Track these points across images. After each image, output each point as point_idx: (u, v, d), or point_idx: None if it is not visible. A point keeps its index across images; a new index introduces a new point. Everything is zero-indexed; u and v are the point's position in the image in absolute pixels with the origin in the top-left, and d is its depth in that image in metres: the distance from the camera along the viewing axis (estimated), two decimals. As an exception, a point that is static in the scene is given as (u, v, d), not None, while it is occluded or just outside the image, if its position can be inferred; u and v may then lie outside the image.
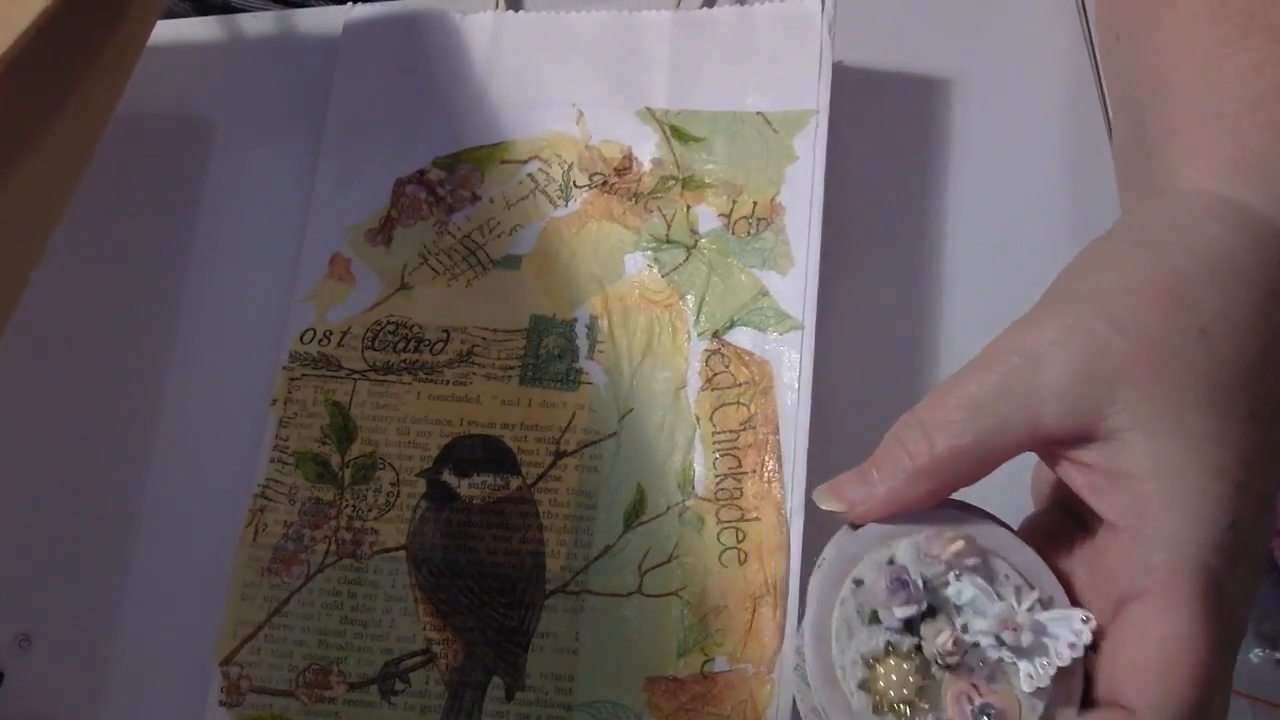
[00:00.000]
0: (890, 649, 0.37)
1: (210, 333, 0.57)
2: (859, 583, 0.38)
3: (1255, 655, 0.47)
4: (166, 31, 0.63)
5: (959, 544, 0.38)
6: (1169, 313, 0.38)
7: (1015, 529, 0.40)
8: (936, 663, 0.37)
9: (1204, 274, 0.38)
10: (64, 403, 0.57)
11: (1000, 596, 0.38)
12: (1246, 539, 0.37)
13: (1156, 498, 0.37)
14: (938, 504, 0.39)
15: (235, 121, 0.61)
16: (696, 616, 0.48)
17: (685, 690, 0.47)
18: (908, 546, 0.38)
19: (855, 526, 0.39)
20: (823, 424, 0.50)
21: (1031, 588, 0.38)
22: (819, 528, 0.49)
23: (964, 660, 0.37)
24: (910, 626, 0.38)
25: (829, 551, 0.39)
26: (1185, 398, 0.37)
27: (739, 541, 0.49)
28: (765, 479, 0.49)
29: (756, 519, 0.49)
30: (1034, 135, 0.55)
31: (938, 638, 0.37)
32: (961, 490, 0.38)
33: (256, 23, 0.64)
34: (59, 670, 0.53)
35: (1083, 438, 0.37)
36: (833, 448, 0.50)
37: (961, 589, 0.38)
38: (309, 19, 0.63)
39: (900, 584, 0.37)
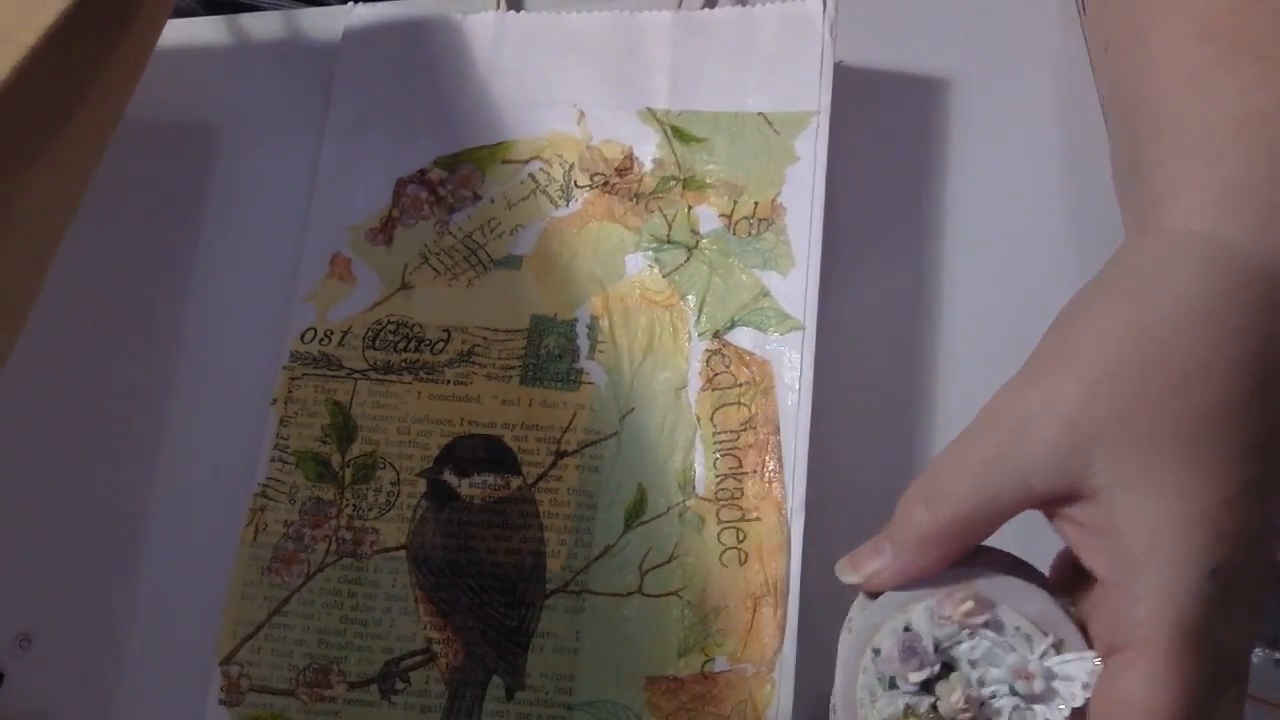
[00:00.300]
0: (909, 711, 0.41)
1: (211, 332, 0.57)
2: (877, 651, 0.42)
3: (1256, 655, 0.47)
4: (168, 32, 0.63)
5: (968, 604, 0.41)
6: (1142, 372, 0.40)
7: (1034, 568, 0.42)
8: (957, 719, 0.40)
9: (1179, 329, 0.40)
10: (65, 402, 0.57)
11: (1013, 647, 0.41)
12: (1233, 581, 0.38)
13: (1136, 553, 0.39)
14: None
15: (237, 122, 0.61)
16: (697, 616, 0.48)
17: (685, 690, 0.47)
18: (921, 611, 0.42)
19: (874, 595, 0.42)
20: (823, 424, 0.50)
21: (1045, 634, 0.41)
22: (819, 528, 0.49)
23: (981, 712, 0.40)
24: (927, 687, 0.41)
25: (854, 618, 0.42)
26: (1160, 453, 0.39)
27: (739, 541, 0.49)
28: (766, 479, 0.49)
29: (757, 519, 0.49)
30: (1034, 135, 0.55)
31: (950, 696, 0.40)
32: None
33: (257, 23, 0.64)
34: (60, 670, 0.53)
35: (1071, 497, 0.39)
36: (833, 448, 0.50)
37: (975, 645, 0.41)
38: (310, 19, 0.63)
39: (911, 651, 0.41)
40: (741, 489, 0.49)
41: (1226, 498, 0.38)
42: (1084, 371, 0.40)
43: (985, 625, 0.42)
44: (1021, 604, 0.42)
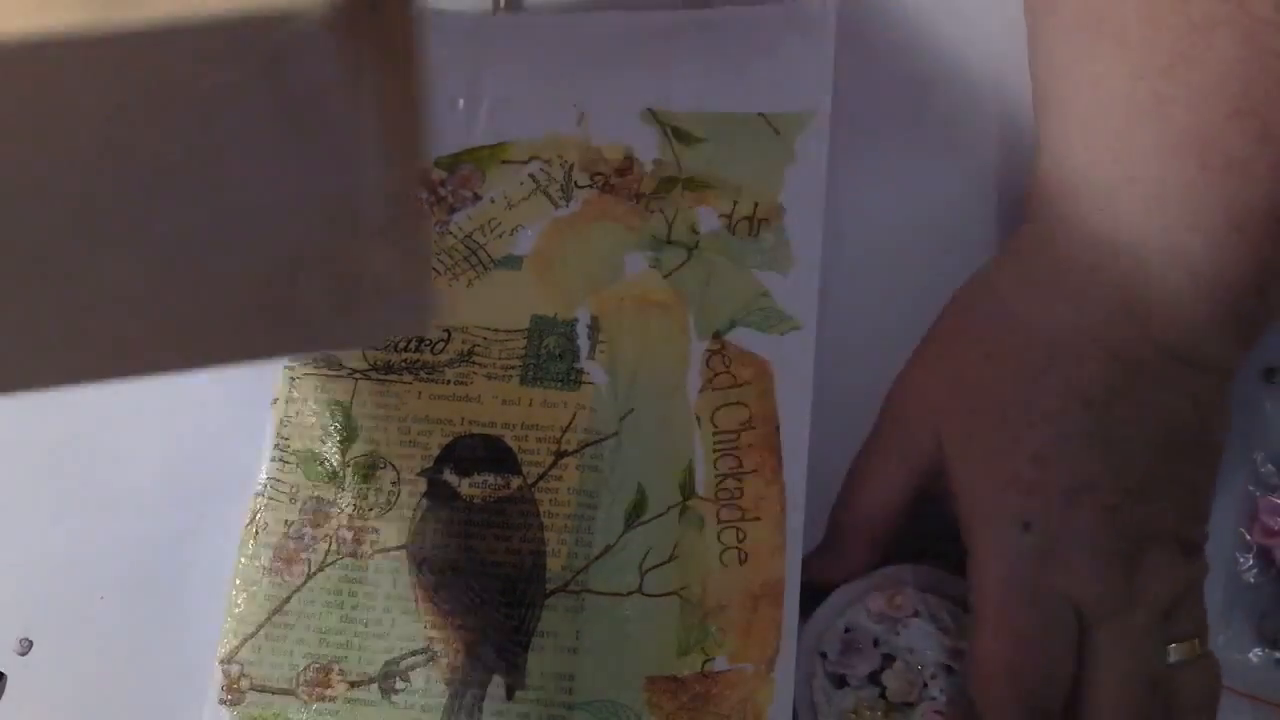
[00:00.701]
0: (861, 703, 0.45)
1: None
2: (824, 655, 0.46)
3: (1255, 655, 0.47)
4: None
5: (899, 598, 0.46)
6: (964, 348, 0.45)
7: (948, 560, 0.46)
8: (903, 703, 0.45)
9: (990, 305, 0.45)
10: (62, 401, 0.57)
11: (943, 630, 0.45)
12: (1055, 533, 0.41)
13: (967, 519, 0.43)
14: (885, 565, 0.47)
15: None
16: (697, 616, 0.48)
17: (686, 689, 0.47)
18: (858, 611, 0.46)
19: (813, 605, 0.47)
20: (824, 424, 0.50)
21: (968, 611, 0.45)
22: (820, 528, 0.49)
23: (926, 691, 0.45)
24: (874, 679, 0.45)
25: (803, 633, 0.47)
26: (979, 420, 0.43)
27: (739, 541, 0.49)
28: (766, 479, 0.49)
29: (757, 519, 0.49)
30: (1033, 138, 0.55)
31: (895, 683, 0.45)
32: None
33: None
34: (60, 672, 0.53)
35: (938, 473, 0.45)
36: (834, 448, 0.50)
37: (911, 633, 0.46)
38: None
39: (854, 649, 0.46)
40: (741, 489, 0.49)
41: (1034, 454, 0.41)
42: (928, 358, 0.46)
43: (915, 615, 0.46)
44: (944, 589, 0.46)
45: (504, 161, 0.56)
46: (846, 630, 0.46)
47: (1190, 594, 0.43)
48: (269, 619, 0.50)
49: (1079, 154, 0.45)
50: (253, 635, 0.50)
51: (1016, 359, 0.43)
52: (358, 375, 0.53)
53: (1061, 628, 0.41)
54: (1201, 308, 0.42)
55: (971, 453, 0.43)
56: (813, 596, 0.47)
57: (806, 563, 0.48)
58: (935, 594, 0.46)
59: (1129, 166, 0.43)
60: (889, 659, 0.46)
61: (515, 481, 0.51)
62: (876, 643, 0.46)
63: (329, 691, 0.49)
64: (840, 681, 0.46)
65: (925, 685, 0.45)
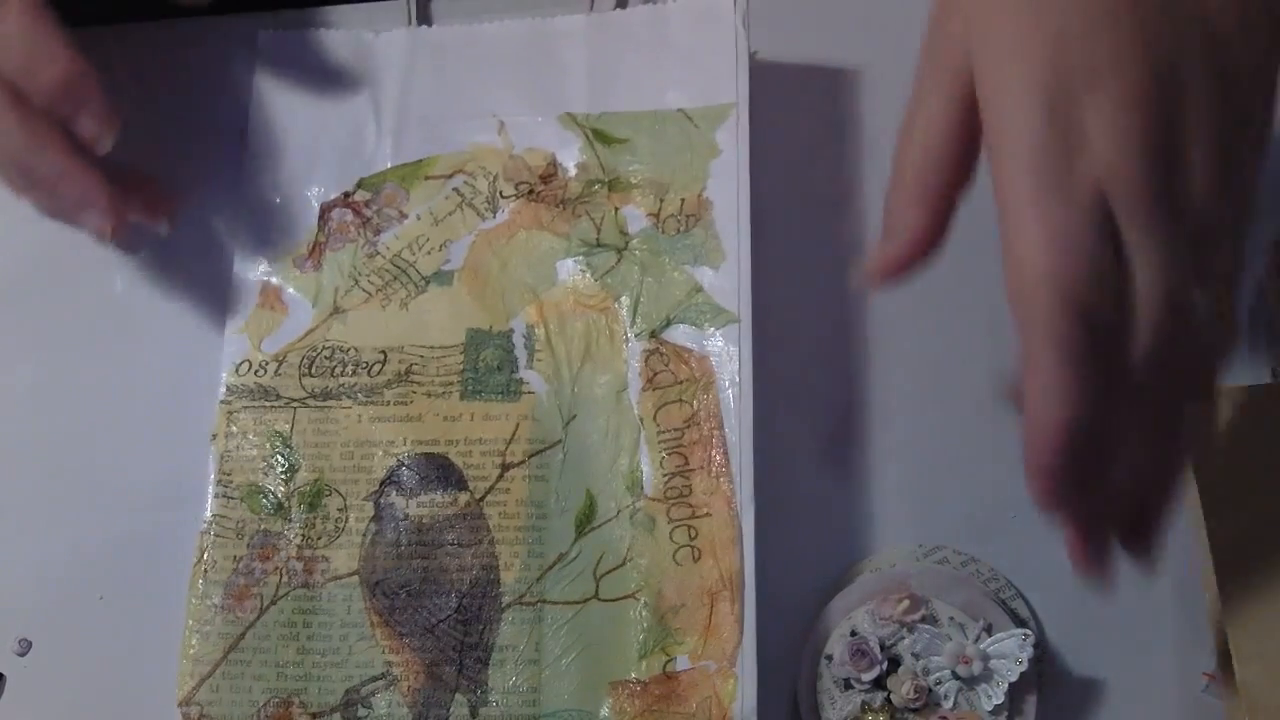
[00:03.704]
0: (866, 707, 0.45)
1: (145, 370, 0.56)
2: (829, 657, 0.46)
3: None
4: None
5: (904, 603, 0.46)
6: None
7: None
8: (907, 710, 0.45)
9: None
10: (63, 401, 0.57)
11: (949, 636, 0.46)
12: (1075, 118, 0.37)
13: (987, 110, 0.39)
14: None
15: (156, 148, 0.60)
16: (655, 617, 0.48)
17: (649, 692, 0.47)
18: (864, 616, 0.46)
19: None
20: (766, 415, 0.50)
21: (975, 619, 0.46)
22: (770, 519, 0.49)
23: (929, 699, 0.45)
24: (879, 683, 0.45)
25: (810, 633, 0.47)
26: (1002, 8, 0.39)
27: (691, 539, 0.49)
28: (713, 474, 0.49)
29: (707, 515, 0.49)
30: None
31: (901, 689, 0.45)
32: None
33: (169, 34, 0.62)
34: (59, 672, 0.52)
35: (970, 75, 0.40)
36: (777, 438, 0.50)
37: (916, 639, 0.46)
38: (226, 31, 0.62)
39: (860, 653, 0.45)
40: (690, 486, 0.49)
41: (1057, 32, 0.38)
42: None
43: (921, 620, 0.46)
44: (950, 595, 0.47)
45: (427, 178, 0.56)
46: (852, 634, 0.46)
47: (1224, 234, 0.40)
48: (225, 657, 0.50)
49: None
50: (209, 675, 0.50)
51: None
52: (296, 404, 0.53)
53: (1098, 222, 0.37)
54: None
55: (995, 41, 0.39)
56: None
57: (873, 254, 0.42)
58: (941, 600, 0.47)
59: None
60: (895, 664, 0.46)
61: (463, 498, 0.51)
62: (883, 647, 0.46)
63: (291, 725, 0.49)
64: (845, 685, 0.46)
65: (931, 691, 0.45)
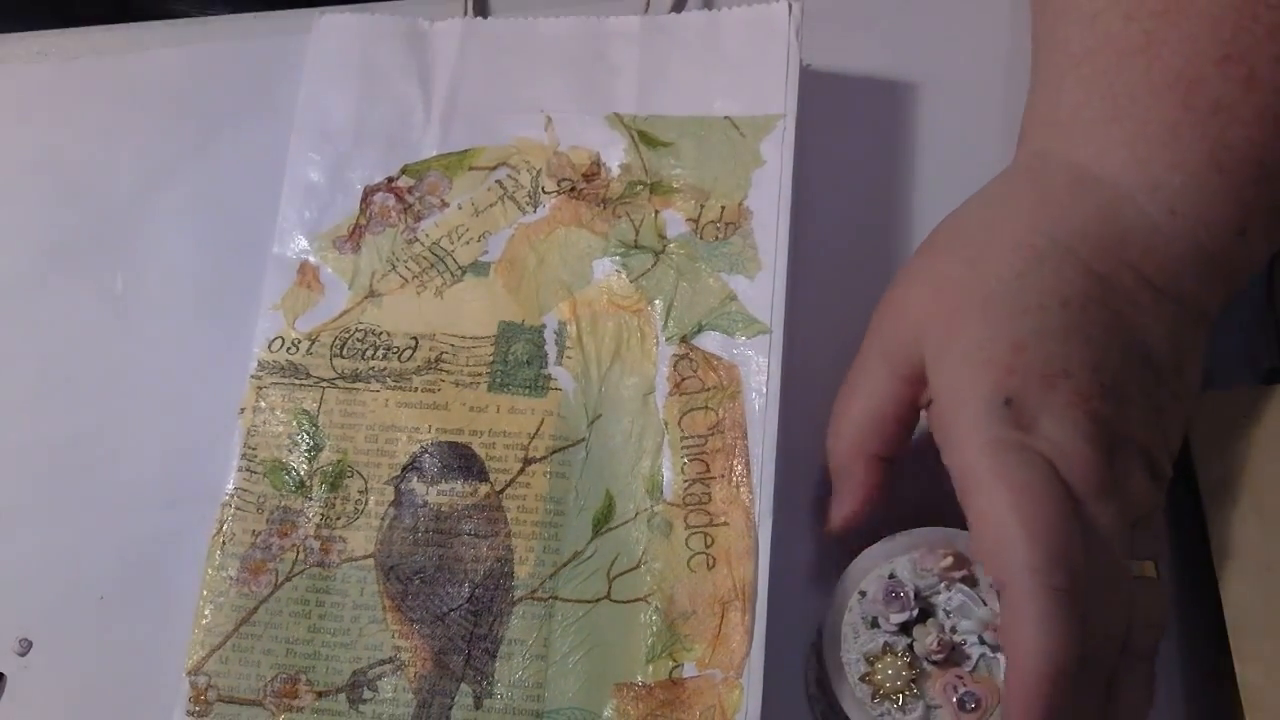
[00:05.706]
0: (888, 648, 0.45)
1: (179, 341, 0.57)
2: (863, 593, 0.46)
3: None
4: (141, 34, 0.63)
5: (949, 559, 0.45)
6: (945, 258, 0.46)
7: None
8: (927, 659, 0.44)
9: (972, 219, 0.46)
10: (63, 402, 0.57)
11: (984, 602, 0.45)
12: (1033, 407, 0.41)
13: (943, 413, 0.43)
14: (938, 526, 0.46)
15: (203, 127, 0.61)
16: (665, 622, 0.48)
17: (653, 696, 0.47)
18: (905, 562, 0.46)
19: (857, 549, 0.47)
20: (791, 428, 0.50)
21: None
22: (787, 532, 0.49)
23: (951, 655, 0.44)
24: (906, 629, 0.45)
25: (849, 567, 0.47)
26: (960, 318, 0.43)
27: (707, 547, 0.49)
28: (734, 484, 0.49)
29: (725, 524, 0.49)
30: (998, 137, 0.55)
31: (926, 639, 0.44)
32: None
33: (222, 27, 0.63)
34: (59, 672, 0.53)
35: (922, 379, 0.45)
36: (801, 452, 0.50)
37: (951, 597, 0.45)
38: (277, 23, 0.63)
39: (894, 595, 0.45)
40: (709, 494, 0.49)
41: (1014, 342, 0.42)
42: (913, 271, 0.47)
43: (962, 580, 0.45)
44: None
45: (471, 168, 0.56)
46: (891, 575, 0.46)
47: (1154, 516, 0.43)
48: (236, 630, 0.50)
49: (1070, 91, 0.46)
50: (220, 646, 0.50)
51: (998, 262, 0.44)
52: (325, 384, 0.53)
53: (1055, 484, 0.40)
54: (1179, 243, 0.43)
55: (951, 349, 0.43)
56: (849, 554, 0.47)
57: (823, 516, 0.48)
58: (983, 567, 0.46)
59: (1116, 104, 0.45)
60: (925, 615, 0.45)
61: (483, 489, 0.51)
62: (918, 596, 0.45)
63: (296, 702, 0.49)
64: (873, 623, 0.45)
65: (954, 649, 0.44)
